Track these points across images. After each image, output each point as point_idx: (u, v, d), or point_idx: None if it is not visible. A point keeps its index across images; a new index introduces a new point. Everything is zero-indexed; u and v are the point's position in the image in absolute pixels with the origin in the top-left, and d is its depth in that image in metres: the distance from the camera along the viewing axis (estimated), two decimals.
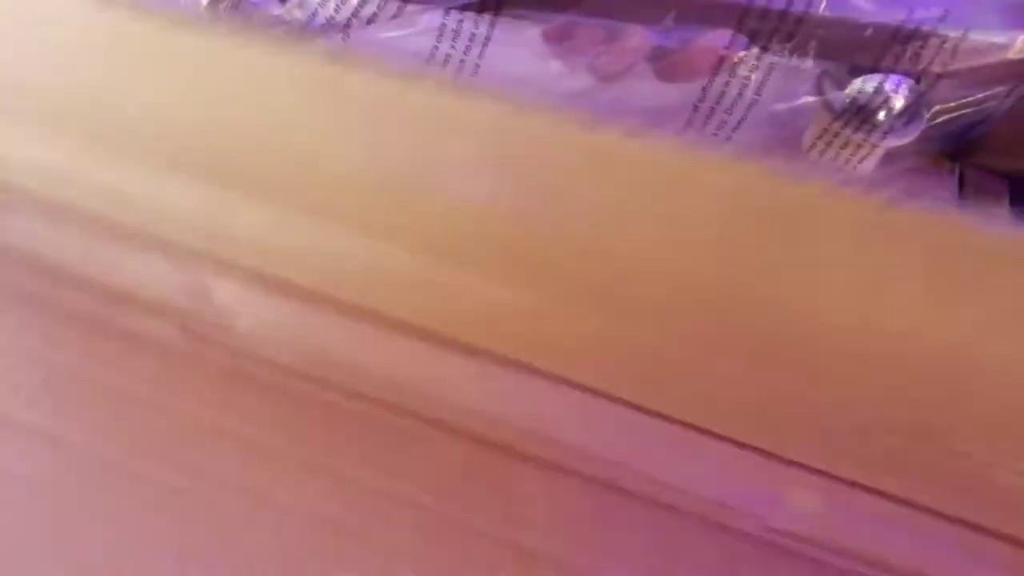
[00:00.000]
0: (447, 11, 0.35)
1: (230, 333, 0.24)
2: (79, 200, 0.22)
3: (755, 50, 0.35)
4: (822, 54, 0.36)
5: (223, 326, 0.24)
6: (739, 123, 0.37)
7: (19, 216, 0.25)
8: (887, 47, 0.35)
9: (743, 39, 0.35)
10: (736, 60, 0.36)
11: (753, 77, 0.36)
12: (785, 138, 0.39)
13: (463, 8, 0.35)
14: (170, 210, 0.21)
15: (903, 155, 0.39)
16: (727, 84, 0.36)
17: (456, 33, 0.35)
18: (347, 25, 0.36)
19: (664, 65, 0.36)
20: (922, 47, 0.35)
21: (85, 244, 0.24)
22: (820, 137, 0.38)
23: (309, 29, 0.37)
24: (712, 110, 0.37)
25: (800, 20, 0.35)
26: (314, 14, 0.36)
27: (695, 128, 0.37)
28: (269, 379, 0.26)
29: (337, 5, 0.35)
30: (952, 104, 0.37)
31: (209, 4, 0.37)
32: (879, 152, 0.38)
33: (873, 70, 0.36)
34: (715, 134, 0.37)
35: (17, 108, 0.21)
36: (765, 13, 0.34)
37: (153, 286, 0.25)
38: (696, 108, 0.37)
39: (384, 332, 0.21)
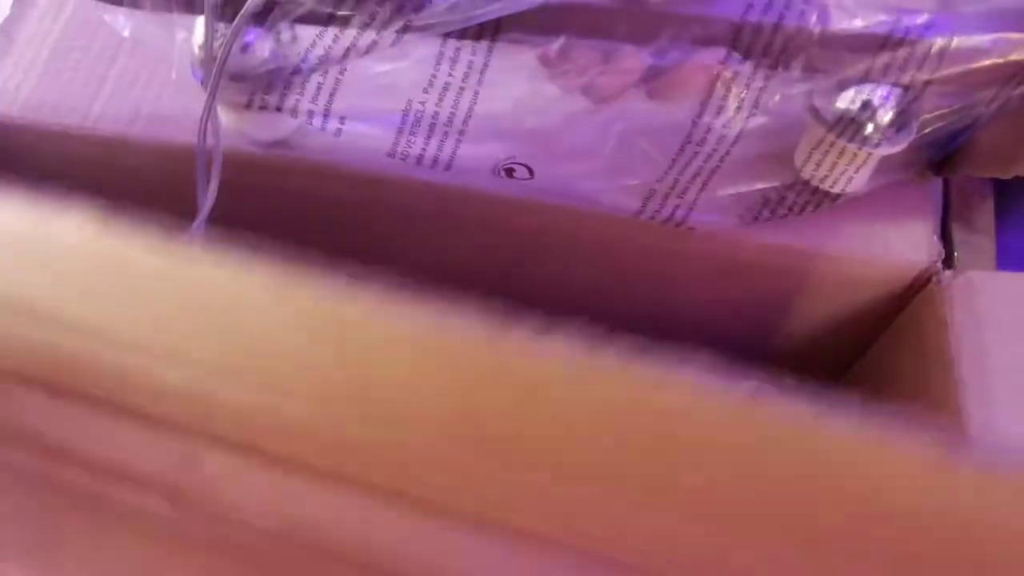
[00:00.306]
0: (444, 38, 0.35)
1: (219, 503, 0.24)
2: (83, 384, 0.22)
3: (748, 66, 0.36)
4: (813, 67, 0.36)
5: (213, 497, 0.24)
6: (736, 138, 0.37)
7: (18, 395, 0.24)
8: (876, 56, 0.35)
9: (737, 56, 0.36)
10: (730, 77, 0.36)
11: (746, 93, 0.37)
12: (779, 152, 0.40)
13: (460, 36, 0.35)
14: (170, 389, 0.21)
15: (895, 164, 0.40)
16: (724, 100, 0.37)
17: (454, 60, 0.36)
18: (344, 57, 0.36)
19: (658, 85, 0.37)
20: (910, 55, 0.35)
21: (84, 421, 0.24)
22: (815, 149, 0.39)
23: (304, 68, 0.37)
24: (709, 128, 0.37)
25: (792, 35, 0.35)
26: (309, 49, 0.36)
27: (693, 144, 0.37)
28: (257, 548, 0.25)
29: (335, 37, 0.35)
30: (941, 111, 0.38)
31: (201, 47, 0.37)
32: (873, 161, 0.39)
33: (863, 81, 0.36)
34: (714, 150, 0.37)
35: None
36: (758, 29, 0.35)
37: (144, 458, 0.24)
38: (694, 124, 0.37)
39: (389, 507, 0.21)
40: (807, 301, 0.45)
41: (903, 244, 0.42)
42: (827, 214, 0.41)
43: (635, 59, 0.36)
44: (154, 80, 0.43)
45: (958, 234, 0.46)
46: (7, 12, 0.46)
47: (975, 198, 0.54)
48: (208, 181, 0.38)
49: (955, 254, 0.44)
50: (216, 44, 0.36)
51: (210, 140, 0.38)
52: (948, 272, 0.42)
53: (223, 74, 0.37)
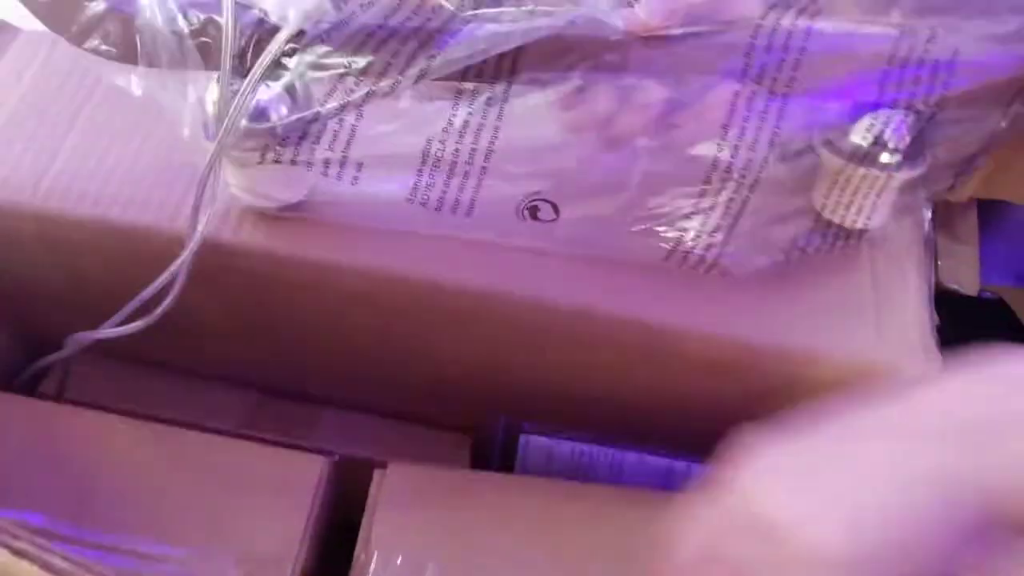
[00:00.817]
0: (462, 80, 0.35)
1: None
2: None
3: (762, 97, 0.36)
4: (824, 92, 0.37)
5: None
6: (758, 173, 0.37)
7: None
8: (885, 78, 0.36)
9: (750, 86, 0.36)
10: (746, 109, 0.36)
11: (763, 126, 0.37)
12: (796, 180, 0.39)
13: (477, 77, 0.36)
14: None
15: (916, 187, 0.40)
16: (742, 134, 0.37)
17: (472, 99, 0.36)
18: (363, 104, 0.35)
19: (677, 120, 0.37)
20: (917, 74, 0.36)
21: None
22: (835, 183, 0.38)
23: (320, 118, 0.36)
24: (729, 164, 0.37)
25: (800, 61, 0.36)
26: (326, 98, 0.36)
27: (716, 180, 0.37)
28: None
29: (353, 84, 0.35)
30: (955, 132, 0.38)
31: (215, 103, 0.36)
32: (893, 188, 0.39)
33: (875, 106, 0.37)
34: (739, 185, 0.37)
35: None
36: (767, 59, 0.36)
37: None
38: (716, 159, 0.37)
39: None
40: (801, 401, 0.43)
41: (898, 350, 0.41)
42: (823, 315, 0.41)
43: (653, 93, 0.36)
44: (107, 158, 0.42)
45: (943, 244, 0.45)
46: None
47: (958, 209, 0.54)
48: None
49: (938, 263, 0.44)
50: (230, 101, 0.36)
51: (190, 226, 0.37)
52: None
53: (234, 132, 0.36)
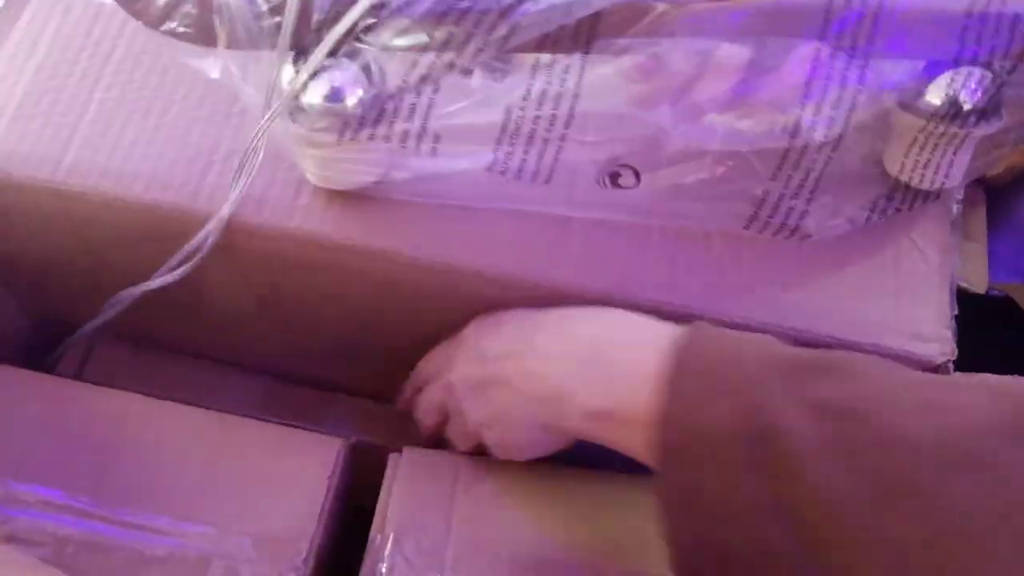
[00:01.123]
0: (541, 43, 0.35)
1: None
2: None
3: (842, 59, 0.36)
4: (904, 50, 0.36)
5: None
6: (839, 137, 0.37)
7: None
8: (964, 30, 0.36)
9: (828, 48, 0.36)
10: (826, 72, 0.36)
11: (843, 90, 0.37)
12: (873, 142, 0.39)
13: (553, 47, 0.35)
14: None
15: (991, 143, 0.39)
16: (823, 97, 0.36)
17: (550, 68, 0.35)
18: (443, 76, 0.35)
19: (759, 85, 0.37)
20: (996, 30, 0.36)
21: None
22: (913, 142, 0.38)
23: (399, 94, 0.36)
24: (812, 127, 0.37)
25: (878, 19, 0.36)
26: (407, 74, 0.35)
27: (797, 146, 0.37)
28: None
29: (436, 55, 0.34)
30: None
31: (291, 82, 0.36)
32: (970, 145, 0.38)
33: (955, 62, 0.37)
34: (823, 142, 0.37)
35: None
36: (846, 17, 0.35)
37: None
38: (797, 125, 0.36)
39: None
40: None
41: (915, 338, 0.40)
42: (835, 300, 0.40)
43: (734, 56, 0.36)
44: (126, 133, 0.42)
45: (953, 241, 0.45)
46: None
47: (968, 207, 0.54)
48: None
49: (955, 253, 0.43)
50: (300, 79, 0.35)
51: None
52: (958, 375, 0.39)
53: (308, 116, 0.36)
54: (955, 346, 0.40)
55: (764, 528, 0.29)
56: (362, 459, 0.43)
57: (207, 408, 0.45)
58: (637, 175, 0.37)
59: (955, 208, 0.43)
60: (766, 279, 0.40)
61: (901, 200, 0.40)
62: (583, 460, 0.43)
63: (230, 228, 0.40)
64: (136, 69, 0.43)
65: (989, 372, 0.38)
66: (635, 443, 0.33)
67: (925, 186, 0.39)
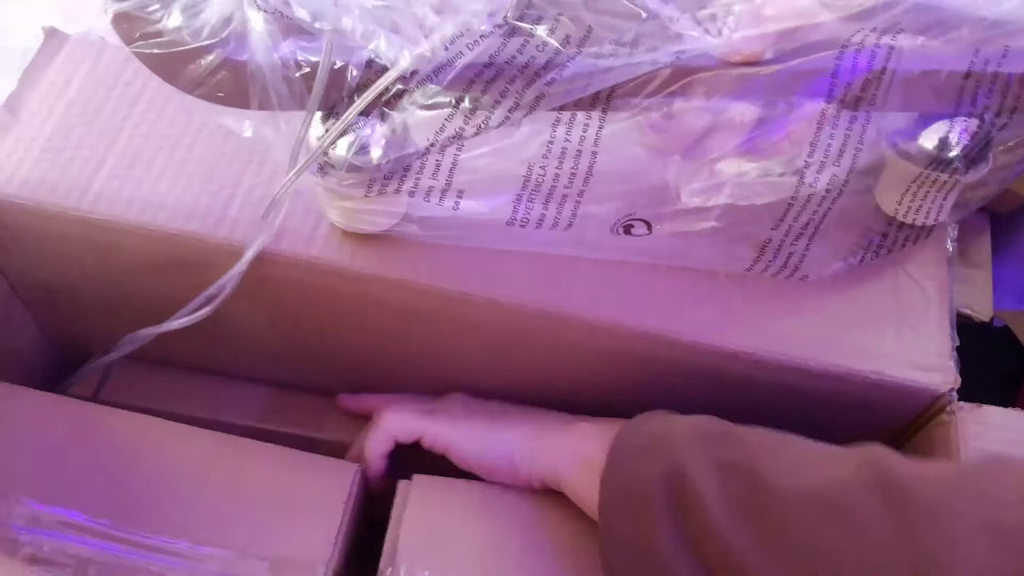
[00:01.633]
0: (560, 108, 0.36)
1: None
2: None
3: (845, 117, 0.38)
4: (905, 108, 0.38)
5: None
6: (841, 187, 0.39)
7: None
8: (962, 91, 0.38)
9: (834, 108, 0.38)
10: (831, 129, 0.38)
11: (846, 144, 0.39)
12: (867, 187, 0.42)
13: (575, 105, 0.37)
14: None
15: (977, 187, 0.42)
16: (827, 151, 0.38)
17: (570, 126, 0.37)
18: (470, 138, 0.36)
19: (766, 142, 0.38)
20: (992, 85, 0.38)
21: None
22: (908, 187, 0.40)
23: (427, 151, 0.37)
24: (816, 179, 0.38)
25: (880, 82, 0.37)
26: (438, 133, 0.36)
27: (801, 196, 0.39)
28: None
29: (464, 120, 0.36)
30: (1015, 138, 0.40)
31: (319, 139, 0.37)
32: (959, 189, 0.41)
33: (954, 114, 0.39)
34: (823, 199, 0.39)
35: None
36: (851, 82, 0.37)
37: None
38: (802, 177, 0.38)
39: None
40: (819, 419, 0.43)
41: (918, 368, 0.42)
42: (838, 332, 0.42)
43: (744, 115, 0.38)
44: (153, 165, 0.43)
45: (957, 269, 0.46)
46: (13, 87, 0.45)
47: (972, 235, 0.55)
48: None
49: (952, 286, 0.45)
50: (330, 136, 0.37)
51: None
52: (962, 404, 0.42)
53: (340, 168, 0.37)
54: (958, 375, 0.42)
55: (673, 562, 0.34)
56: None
57: (206, 414, 0.48)
58: (649, 226, 0.40)
59: (951, 246, 0.45)
60: (770, 311, 0.42)
61: (894, 239, 0.42)
62: None
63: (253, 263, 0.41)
64: (165, 107, 0.44)
65: (988, 399, 0.42)
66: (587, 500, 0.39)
67: (918, 223, 0.42)
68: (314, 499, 0.41)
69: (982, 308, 0.53)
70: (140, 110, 0.45)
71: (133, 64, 0.43)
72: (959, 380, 0.42)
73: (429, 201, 0.38)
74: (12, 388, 0.44)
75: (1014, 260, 0.55)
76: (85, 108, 0.45)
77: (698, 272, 0.42)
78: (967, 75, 0.37)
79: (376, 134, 0.37)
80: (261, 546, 0.40)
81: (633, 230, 0.40)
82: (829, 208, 0.39)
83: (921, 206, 0.41)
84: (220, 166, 0.43)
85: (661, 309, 0.42)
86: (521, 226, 0.38)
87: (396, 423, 0.45)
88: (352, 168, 0.37)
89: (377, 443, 0.45)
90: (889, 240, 0.42)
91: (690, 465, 0.35)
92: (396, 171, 0.37)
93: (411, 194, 0.38)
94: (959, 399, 0.42)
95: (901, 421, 0.44)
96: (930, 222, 0.41)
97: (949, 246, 0.45)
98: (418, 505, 0.41)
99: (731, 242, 0.40)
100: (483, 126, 0.36)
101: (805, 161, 0.38)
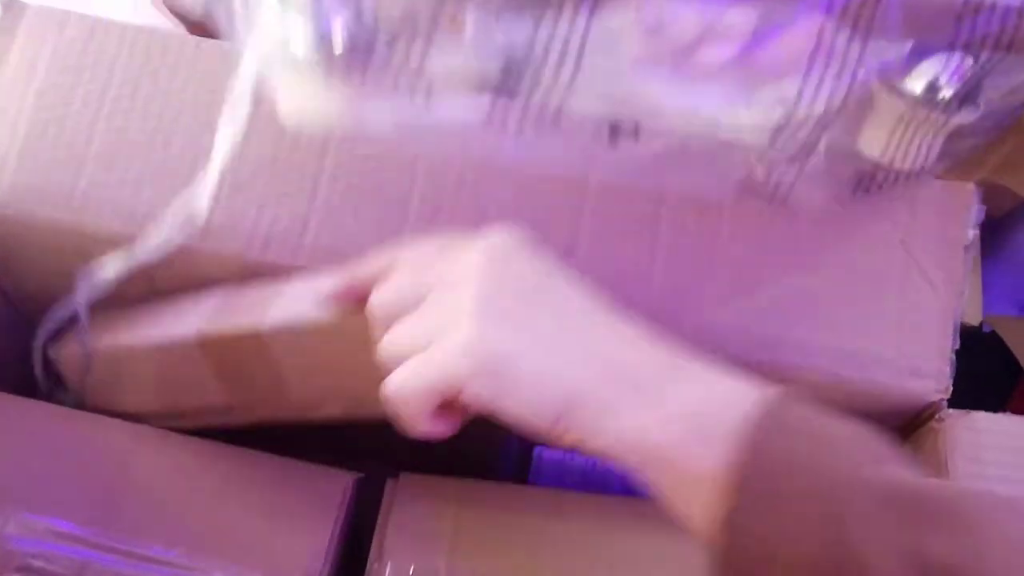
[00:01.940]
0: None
1: None
2: None
3: (842, 35, 0.36)
4: (898, 33, 0.37)
5: None
6: (836, 110, 0.37)
7: None
8: (961, 17, 0.36)
9: (832, 23, 0.36)
10: (827, 46, 0.36)
11: (842, 65, 0.36)
12: (859, 121, 0.39)
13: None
14: None
15: (965, 134, 0.40)
16: (824, 70, 0.36)
17: (556, 19, 0.33)
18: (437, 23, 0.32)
19: (761, 54, 0.36)
20: (987, 22, 0.37)
21: None
22: (896, 125, 0.38)
23: (391, 41, 0.33)
24: (812, 99, 0.36)
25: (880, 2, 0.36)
26: (401, 18, 0.32)
27: (796, 116, 0.36)
28: None
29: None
30: (1007, 83, 0.39)
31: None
32: (947, 130, 0.39)
33: (949, 47, 0.37)
34: (819, 115, 0.36)
35: None
36: None
37: None
38: (799, 94, 0.36)
39: None
40: None
41: (912, 374, 0.41)
42: (835, 334, 0.40)
43: (738, 22, 0.35)
44: (132, 167, 0.41)
45: (964, 270, 0.45)
46: None
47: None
48: None
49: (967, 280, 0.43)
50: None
51: None
52: (951, 411, 0.40)
53: (296, 56, 0.32)
54: (950, 383, 0.40)
55: None
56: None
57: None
58: (637, 132, 0.36)
59: (971, 233, 0.43)
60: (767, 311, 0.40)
61: (883, 178, 0.40)
62: None
63: (237, 267, 0.40)
64: (136, 95, 0.42)
65: (976, 404, 0.40)
66: (685, 499, 0.28)
67: (906, 167, 0.40)
68: (306, 510, 0.40)
69: (972, 312, 0.52)
70: (112, 96, 0.42)
71: (98, 38, 0.43)
72: (950, 388, 0.40)
73: (398, 97, 0.33)
74: (3, 397, 0.43)
75: (1005, 264, 0.54)
76: (55, 102, 0.42)
77: (692, 274, 0.41)
78: (966, 1, 0.36)
79: (339, 19, 0.33)
80: (253, 558, 0.39)
81: (620, 135, 0.37)
82: (821, 134, 0.37)
83: (910, 145, 0.39)
84: (200, 164, 0.41)
85: (656, 311, 0.38)
86: (500, 125, 0.34)
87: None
88: (313, 51, 0.33)
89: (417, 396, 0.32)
90: (878, 179, 0.40)
91: (872, 556, 0.24)
92: (359, 58, 0.33)
93: (377, 84, 0.33)
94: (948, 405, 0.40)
95: (888, 428, 0.41)
96: (918, 165, 0.40)
97: (969, 234, 0.43)
98: (405, 502, 0.40)
99: (722, 160, 0.38)
100: (458, 16, 0.32)
101: (802, 76, 0.36)
